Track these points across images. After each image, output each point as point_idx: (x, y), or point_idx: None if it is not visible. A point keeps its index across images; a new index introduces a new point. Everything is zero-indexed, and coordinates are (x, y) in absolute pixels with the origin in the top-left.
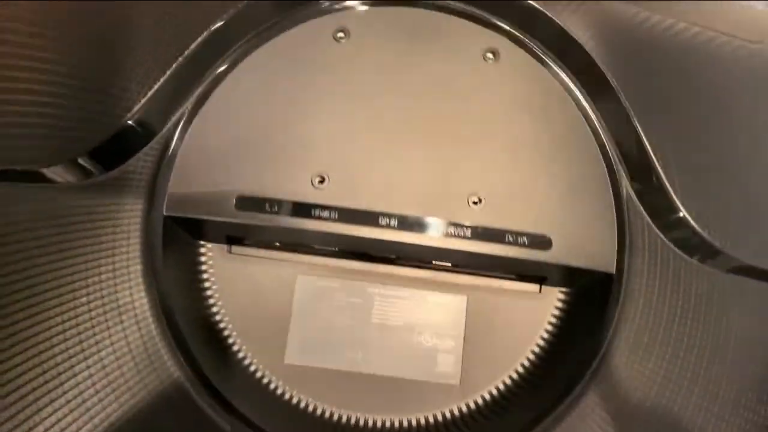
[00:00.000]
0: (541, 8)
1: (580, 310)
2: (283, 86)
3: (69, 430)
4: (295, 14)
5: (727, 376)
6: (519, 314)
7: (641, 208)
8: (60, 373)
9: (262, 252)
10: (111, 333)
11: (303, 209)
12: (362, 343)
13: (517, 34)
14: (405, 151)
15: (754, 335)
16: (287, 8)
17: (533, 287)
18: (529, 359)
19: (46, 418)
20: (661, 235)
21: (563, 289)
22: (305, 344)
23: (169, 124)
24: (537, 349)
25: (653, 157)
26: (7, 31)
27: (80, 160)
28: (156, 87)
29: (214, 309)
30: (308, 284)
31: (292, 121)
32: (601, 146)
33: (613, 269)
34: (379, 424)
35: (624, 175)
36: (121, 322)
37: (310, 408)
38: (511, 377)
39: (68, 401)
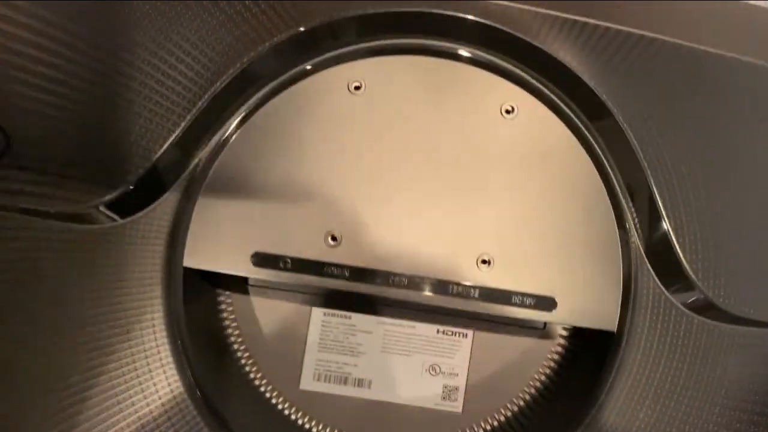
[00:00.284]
0: (561, 59)
1: (581, 349)
2: (297, 140)
3: None
4: (308, 64)
5: (716, 421)
6: (523, 348)
7: (650, 267)
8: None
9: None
10: (134, 366)
11: (315, 267)
12: (372, 371)
13: (536, 84)
14: (417, 209)
15: (745, 381)
16: (301, 58)
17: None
18: (530, 393)
19: None
20: (666, 293)
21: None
22: (319, 371)
23: (186, 173)
24: (538, 384)
25: (665, 217)
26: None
27: (101, 207)
28: (176, 134)
29: (231, 338)
30: (322, 316)
31: (305, 176)
32: (615, 204)
33: (614, 327)
34: None
35: (635, 234)
36: (148, 364)
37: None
38: (512, 409)
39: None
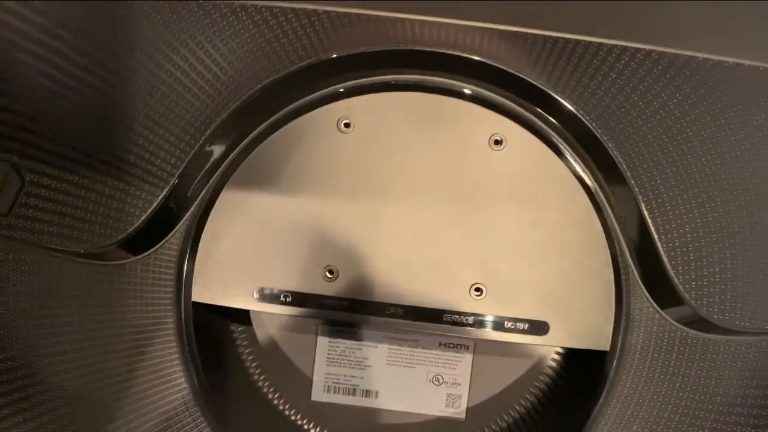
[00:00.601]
0: (549, 90)
1: (579, 360)
2: (292, 178)
3: None
4: (299, 104)
5: (711, 426)
6: (523, 358)
7: (642, 286)
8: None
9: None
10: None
11: (315, 300)
12: (378, 383)
13: (525, 115)
14: (410, 241)
15: (740, 389)
16: (291, 98)
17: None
18: (530, 400)
19: None
20: (659, 311)
21: None
22: (329, 384)
23: (189, 214)
24: (538, 392)
25: (656, 238)
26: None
27: (116, 246)
28: (177, 174)
29: (244, 356)
30: (329, 332)
31: (302, 213)
32: (606, 229)
33: (607, 347)
34: None
35: (627, 256)
36: (165, 386)
37: None
38: (513, 415)
39: None
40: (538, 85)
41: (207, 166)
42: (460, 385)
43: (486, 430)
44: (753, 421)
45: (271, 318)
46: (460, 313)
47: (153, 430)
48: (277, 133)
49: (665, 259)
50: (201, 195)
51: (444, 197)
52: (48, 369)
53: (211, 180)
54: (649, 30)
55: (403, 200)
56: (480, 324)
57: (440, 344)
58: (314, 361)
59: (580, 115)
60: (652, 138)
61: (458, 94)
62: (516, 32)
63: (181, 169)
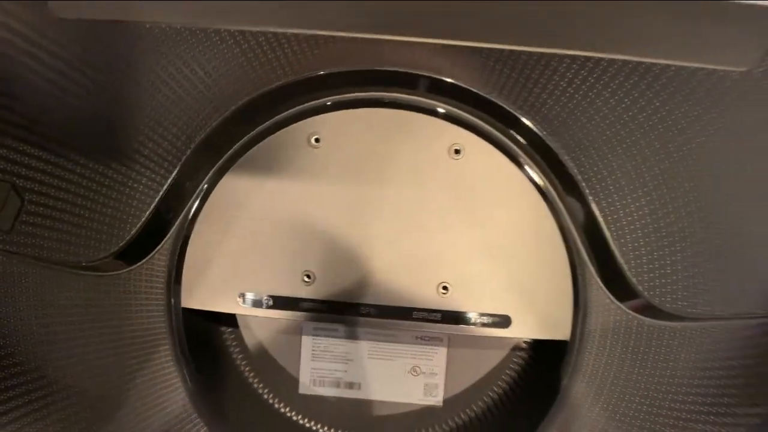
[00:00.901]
0: (501, 103)
1: (545, 349)
2: (269, 191)
3: None
4: (273, 122)
5: (667, 412)
6: (493, 349)
7: (597, 279)
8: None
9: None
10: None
11: (294, 303)
12: (360, 375)
13: (481, 126)
14: (380, 246)
15: (695, 372)
16: (265, 117)
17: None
18: (502, 387)
19: None
20: (615, 300)
21: None
22: (314, 377)
23: (176, 225)
24: (509, 379)
25: (610, 239)
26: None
27: (111, 258)
28: (165, 187)
29: (234, 355)
30: (312, 330)
31: (280, 223)
32: (561, 227)
33: (567, 336)
34: None
35: (583, 253)
36: (161, 385)
37: (319, 430)
38: (486, 401)
39: None
40: (492, 99)
41: (192, 180)
42: (436, 375)
43: (462, 415)
44: (709, 399)
45: (257, 320)
46: (428, 310)
47: (147, 420)
48: (254, 148)
49: (618, 255)
50: (187, 207)
51: (409, 204)
52: (54, 373)
53: (196, 193)
54: (596, 39)
55: (372, 208)
56: (447, 319)
57: (417, 338)
58: (300, 357)
59: (531, 125)
60: (602, 142)
61: (419, 109)
62: (470, 48)
63: (168, 182)
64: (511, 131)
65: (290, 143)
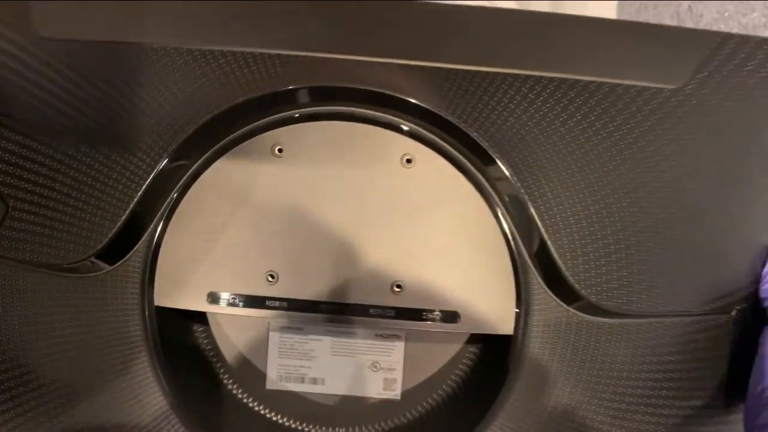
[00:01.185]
0: (448, 117)
1: (495, 345)
2: (236, 197)
3: None
4: (240, 133)
5: (607, 404)
6: (447, 345)
7: (539, 278)
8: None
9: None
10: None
11: (259, 301)
12: (324, 371)
13: (431, 138)
14: (338, 249)
15: (633, 366)
16: (233, 128)
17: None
18: (455, 381)
19: None
20: (555, 298)
21: None
22: (281, 374)
23: (150, 228)
24: (462, 373)
25: (550, 243)
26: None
27: (91, 259)
28: (140, 192)
29: (206, 352)
30: (279, 329)
31: (246, 227)
32: (504, 233)
33: (511, 331)
34: None
35: (525, 255)
36: (137, 384)
37: (286, 423)
38: (440, 394)
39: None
40: (440, 113)
41: (164, 188)
42: (395, 370)
43: (418, 408)
44: (647, 392)
45: (226, 318)
46: (383, 307)
47: (127, 416)
48: (222, 157)
49: (556, 256)
50: (159, 213)
51: (365, 209)
52: (36, 370)
53: (168, 199)
54: (538, 59)
55: (331, 212)
56: (401, 315)
57: (376, 335)
58: (267, 354)
59: (474, 137)
60: (540, 153)
61: (374, 122)
62: (421, 67)
63: (142, 190)
64: (458, 143)
65: (255, 153)
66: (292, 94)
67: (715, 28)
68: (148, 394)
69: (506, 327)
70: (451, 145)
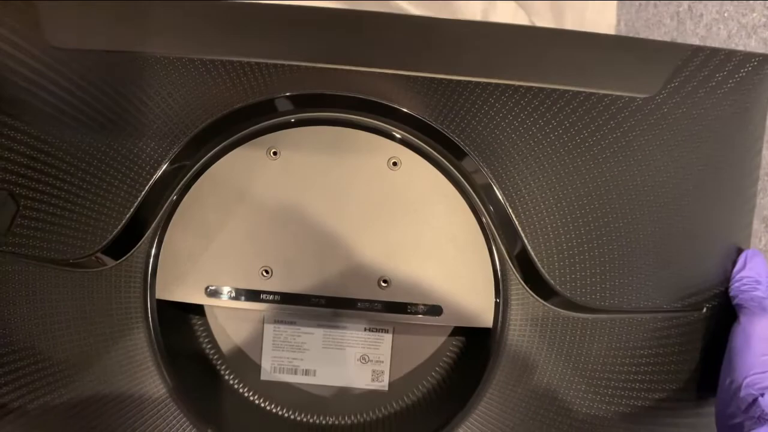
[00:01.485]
0: (432, 123)
1: (477, 339)
2: (233, 196)
3: None
4: (238, 136)
5: (582, 395)
6: (433, 338)
7: (517, 275)
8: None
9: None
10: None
11: (253, 294)
12: (316, 363)
13: (416, 142)
14: (329, 246)
15: (607, 360)
16: (231, 132)
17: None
18: (440, 373)
19: None
20: (533, 294)
21: None
22: (275, 366)
23: (153, 225)
24: (446, 366)
25: (527, 242)
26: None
27: (97, 255)
28: (144, 191)
29: (204, 345)
30: (273, 323)
31: (241, 225)
32: (484, 232)
33: (490, 324)
34: (330, 422)
35: (504, 253)
36: (138, 376)
37: (279, 413)
38: (426, 385)
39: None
40: (424, 119)
41: (166, 188)
42: (382, 362)
43: (405, 398)
44: (621, 384)
45: (223, 312)
46: (370, 301)
47: (127, 407)
48: (220, 160)
49: (533, 255)
50: (163, 210)
51: (354, 208)
52: (46, 359)
53: (169, 200)
54: (517, 69)
55: (322, 212)
56: (387, 309)
57: (365, 329)
58: (262, 347)
59: (456, 142)
60: (517, 157)
61: (362, 127)
62: (408, 76)
63: (146, 190)
64: (441, 147)
65: (253, 155)
66: (288, 101)
67: (714, 28)
68: (148, 383)
69: (486, 320)
70: (435, 150)
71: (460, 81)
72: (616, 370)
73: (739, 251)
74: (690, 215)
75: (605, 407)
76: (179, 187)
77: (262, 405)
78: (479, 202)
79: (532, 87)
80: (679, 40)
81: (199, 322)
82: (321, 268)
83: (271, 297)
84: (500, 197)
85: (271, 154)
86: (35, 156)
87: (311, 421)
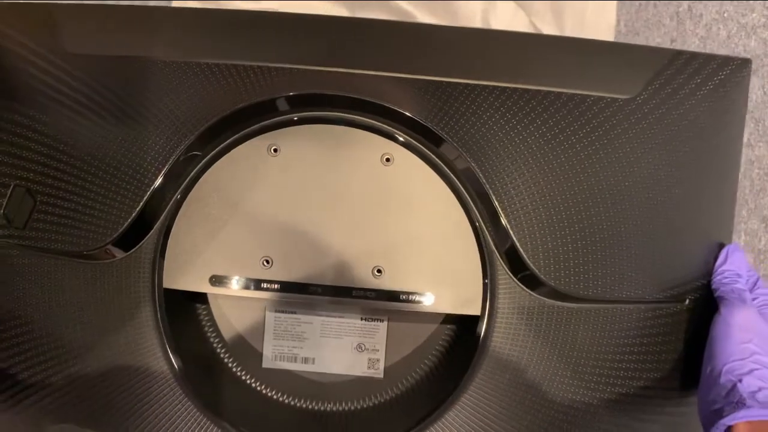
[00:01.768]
0: (422, 121)
1: (467, 328)
2: (236, 191)
3: None
4: (241, 134)
5: (568, 382)
6: (426, 326)
7: (504, 266)
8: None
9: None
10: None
11: (255, 283)
12: (314, 351)
13: (408, 140)
14: (326, 238)
15: (592, 347)
16: (235, 130)
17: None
18: (432, 360)
19: None
20: (520, 285)
21: None
22: (275, 354)
23: (160, 220)
24: (438, 354)
25: (514, 236)
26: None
27: (108, 247)
28: (153, 186)
29: (209, 334)
30: (274, 313)
31: (244, 217)
32: (472, 222)
33: (478, 312)
34: (329, 408)
35: (491, 243)
36: (147, 366)
37: (280, 399)
38: (419, 372)
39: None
40: (416, 119)
41: (173, 184)
42: (378, 350)
43: (399, 385)
44: (606, 372)
45: (227, 301)
46: (365, 290)
47: (134, 391)
48: (224, 156)
49: (519, 246)
50: (170, 204)
51: (349, 201)
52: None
53: (175, 195)
54: (504, 71)
55: (320, 206)
56: (381, 297)
57: (361, 318)
58: (263, 336)
59: (446, 139)
60: (504, 153)
61: (357, 125)
62: (401, 78)
63: (153, 186)
64: (432, 145)
65: (254, 152)
66: (288, 101)
67: (714, 28)
68: (155, 368)
69: (475, 308)
70: (426, 147)
71: (450, 83)
72: (600, 359)
73: (721, 246)
74: (671, 211)
75: (590, 394)
76: (185, 183)
77: (264, 391)
78: (468, 197)
79: (518, 88)
80: (679, 40)
81: (204, 311)
82: (318, 258)
83: (272, 285)
84: (488, 191)
85: (272, 151)
86: (51, 155)
87: (310, 407)
